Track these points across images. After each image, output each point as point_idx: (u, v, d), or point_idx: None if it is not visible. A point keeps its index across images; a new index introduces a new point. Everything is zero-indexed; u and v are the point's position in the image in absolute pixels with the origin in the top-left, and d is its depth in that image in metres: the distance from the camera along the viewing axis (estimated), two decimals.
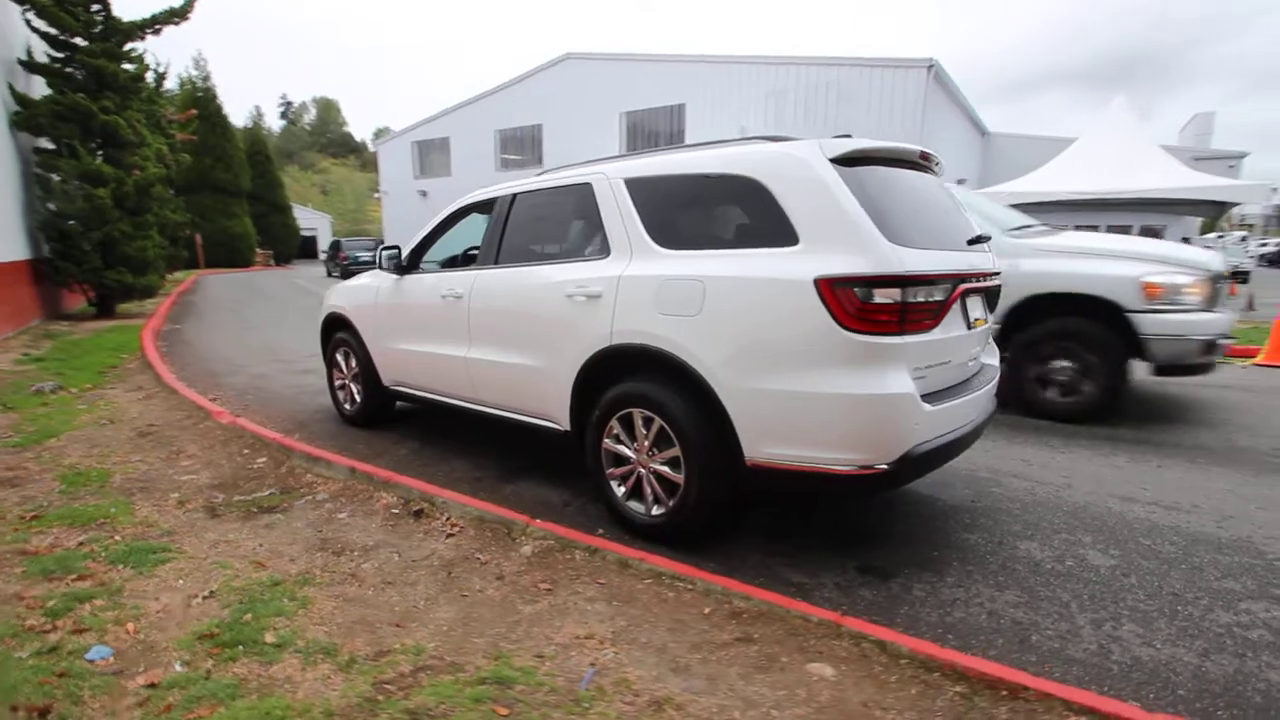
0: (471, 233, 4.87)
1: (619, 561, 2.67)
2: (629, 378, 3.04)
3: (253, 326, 11.07)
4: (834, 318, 2.41)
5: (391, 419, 5.11)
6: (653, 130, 20.34)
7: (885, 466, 2.48)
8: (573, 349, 3.21)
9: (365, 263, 24.27)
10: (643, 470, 3.04)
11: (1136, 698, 1.98)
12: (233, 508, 3.42)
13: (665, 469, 2.93)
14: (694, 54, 19.06)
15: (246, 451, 4.33)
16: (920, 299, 2.47)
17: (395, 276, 4.46)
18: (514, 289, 3.58)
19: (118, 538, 2.97)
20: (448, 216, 4.30)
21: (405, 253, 4.42)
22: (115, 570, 2.63)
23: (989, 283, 3.00)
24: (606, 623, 2.29)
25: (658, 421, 2.91)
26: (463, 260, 4.75)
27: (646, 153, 3.36)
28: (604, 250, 3.19)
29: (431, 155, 26.54)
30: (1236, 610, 2.47)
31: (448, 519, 3.18)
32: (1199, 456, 4.15)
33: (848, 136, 2.80)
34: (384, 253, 4.38)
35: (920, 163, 3.02)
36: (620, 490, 3.15)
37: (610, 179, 3.25)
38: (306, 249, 43.83)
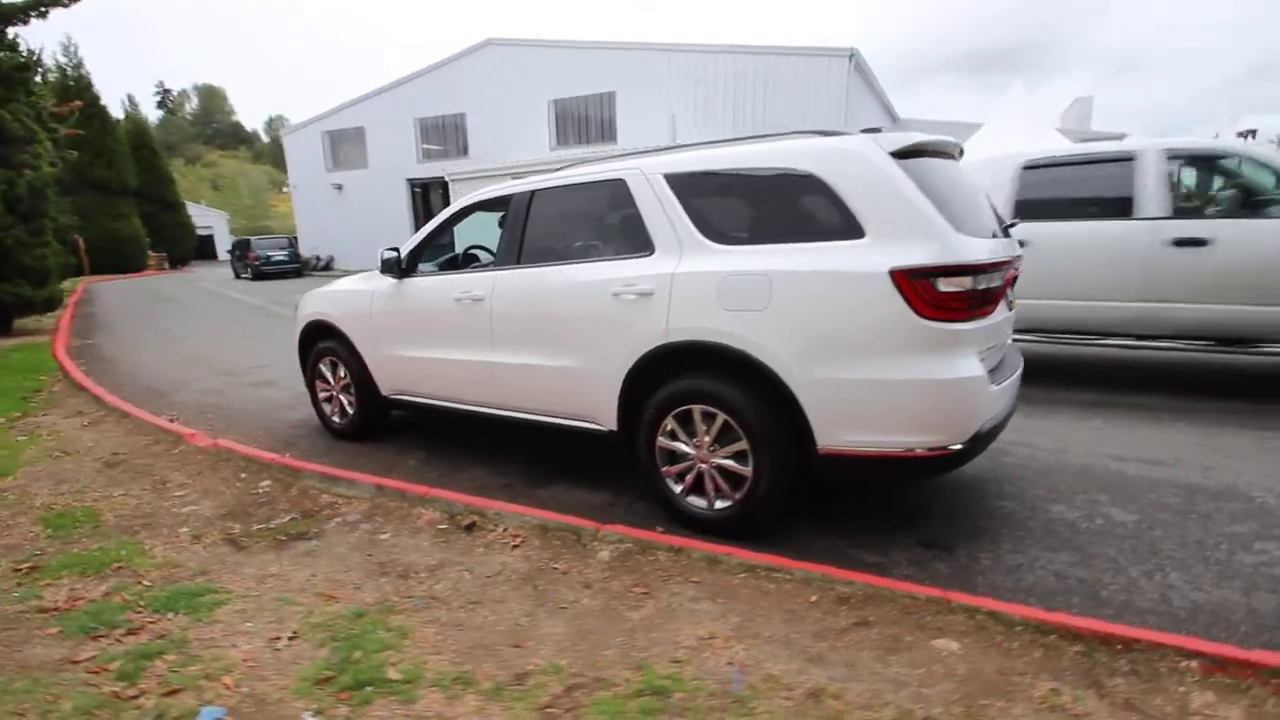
0: (470, 233, 4.69)
1: (706, 558, 2.68)
2: (685, 374, 3.03)
3: (175, 338, 10.18)
4: (911, 307, 2.51)
5: (386, 430, 4.87)
6: (583, 118, 20.06)
7: (959, 446, 2.62)
8: (621, 348, 3.17)
9: (280, 263, 22.76)
10: (703, 466, 3.06)
11: (1210, 637, 2.20)
12: (256, 538, 3.17)
13: (730, 463, 2.96)
14: (622, 41, 18.94)
15: (244, 476, 4.01)
16: (984, 286, 2.61)
17: (393, 280, 4.23)
18: (546, 289, 3.48)
19: (146, 583, 2.69)
20: (450, 216, 4.11)
21: (404, 255, 4.18)
22: (166, 619, 2.39)
23: (1019, 269, 3.20)
24: (720, 621, 2.31)
25: (721, 416, 2.93)
26: (464, 261, 4.56)
27: (683, 148, 3.34)
28: (647, 247, 3.15)
29: (345, 146, 25.05)
30: (1253, 550, 2.78)
31: (505, 530, 3.08)
32: (1159, 414, 4.60)
33: (877, 130, 2.89)
34: (383, 255, 4.13)
35: (954, 155, 3.17)
36: (678, 487, 3.16)
37: (647, 175, 3.21)
38: (204, 249, 40.58)
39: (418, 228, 27.30)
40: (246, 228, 45.74)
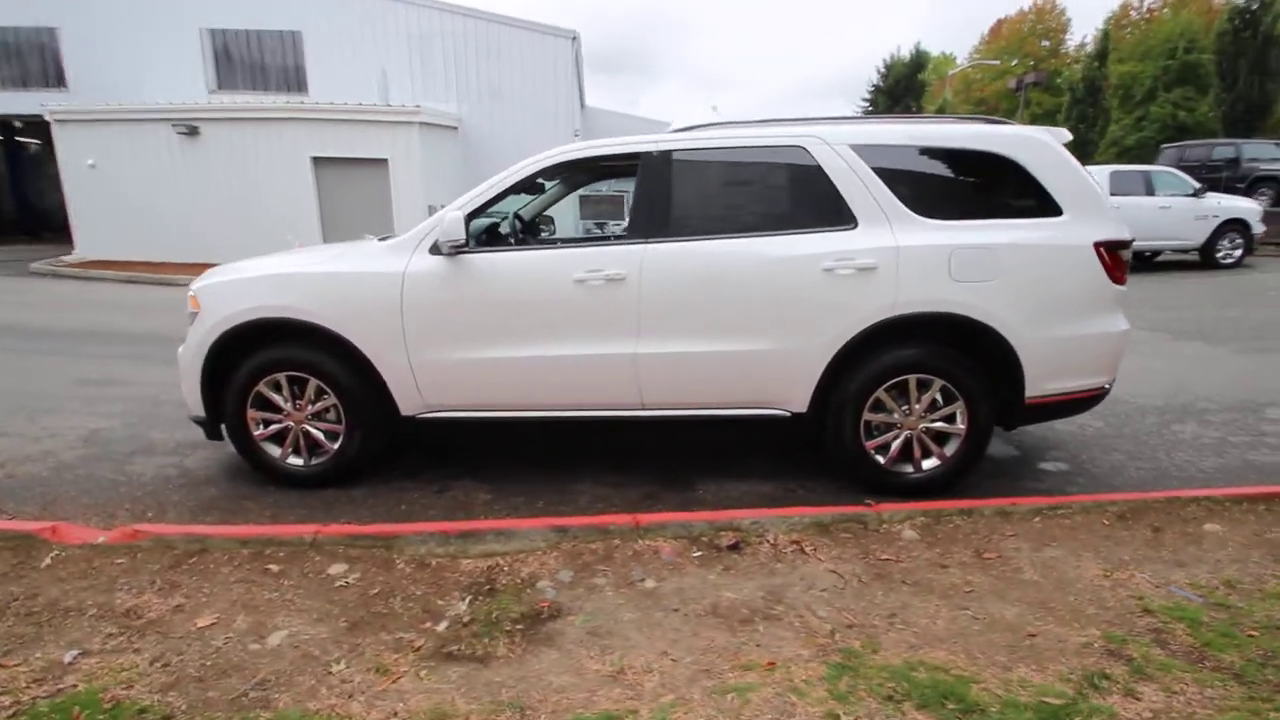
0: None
1: (998, 513, 2.87)
2: (897, 347, 3.11)
3: None
4: (1107, 273, 3.09)
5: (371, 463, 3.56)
6: (257, 60, 15.97)
7: (1109, 384, 3.34)
8: (834, 325, 3.07)
9: None
10: (910, 432, 3.20)
11: None
12: (474, 642, 2.14)
13: (940, 424, 3.17)
14: None
15: (274, 568, 2.53)
16: None
17: (440, 258, 3.12)
18: (727, 265, 3.09)
19: None
20: (532, 174, 3.21)
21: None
22: None
23: None
24: (1084, 558, 2.56)
25: (938, 382, 3.11)
26: (525, 230, 3.57)
27: (856, 120, 3.33)
28: (847, 220, 3.09)
29: None
30: (1219, 427, 4.15)
31: (778, 538, 2.72)
32: None
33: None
34: (446, 222, 2.99)
35: None
36: (881, 459, 3.23)
37: (832, 144, 3.11)
38: None
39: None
40: None
